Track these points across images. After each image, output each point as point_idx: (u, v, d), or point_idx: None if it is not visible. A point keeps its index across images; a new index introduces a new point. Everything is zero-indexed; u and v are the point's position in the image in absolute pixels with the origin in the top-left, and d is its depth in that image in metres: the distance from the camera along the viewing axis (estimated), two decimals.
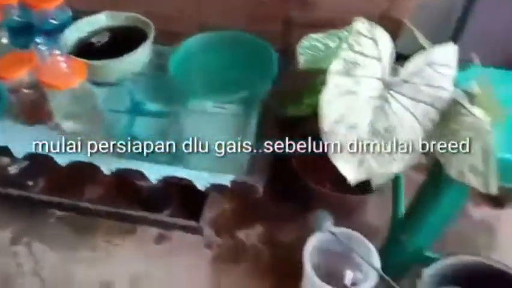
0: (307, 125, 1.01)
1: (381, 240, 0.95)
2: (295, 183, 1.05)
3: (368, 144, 0.72)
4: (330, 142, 0.71)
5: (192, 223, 1.04)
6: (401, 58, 0.74)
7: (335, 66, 0.68)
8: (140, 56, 0.95)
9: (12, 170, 1.08)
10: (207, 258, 1.02)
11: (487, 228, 1.12)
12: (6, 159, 1.07)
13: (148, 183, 1.00)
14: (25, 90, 0.85)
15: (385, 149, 0.73)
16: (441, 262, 0.86)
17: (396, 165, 0.74)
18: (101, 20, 1.02)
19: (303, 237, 0.85)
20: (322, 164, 1.02)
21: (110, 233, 1.05)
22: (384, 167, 0.74)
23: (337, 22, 0.93)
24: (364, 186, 1.00)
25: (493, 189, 0.68)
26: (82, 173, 1.14)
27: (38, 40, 0.78)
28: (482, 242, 1.07)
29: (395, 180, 1.07)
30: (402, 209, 0.98)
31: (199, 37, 0.99)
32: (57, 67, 0.80)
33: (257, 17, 0.99)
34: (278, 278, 0.98)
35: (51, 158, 0.86)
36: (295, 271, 0.95)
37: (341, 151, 0.71)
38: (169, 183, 0.88)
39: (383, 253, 0.87)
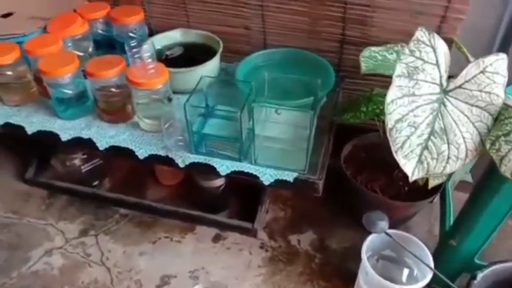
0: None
1: (431, 248, 0.99)
2: (346, 187, 1.11)
3: (427, 143, 0.79)
4: (393, 139, 0.78)
5: (247, 225, 1.11)
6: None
7: (399, 69, 0.77)
8: (211, 68, 1.06)
9: (84, 169, 1.18)
10: (261, 257, 1.07)
11: None
12: (80, 160, 1.17)
13: (210, 184, 1.09)
14: (113, 89, 0.96)
15: (442, 148, 0.79)
16: (495, 267, 0.89)
17: (452, 164, 0.80)
18: (175, 36, 1.14)
19: (354, 244, 0.90)
20: (372, 170, 1.10)
21: (170, 230, 1.12)
22: (440, 165, 0.80)
23: (389, 43, 1.03)
24: (413, 194, 1.06)
25: None
26: (145, 176, 1.25)
27: (132, 44, 0.89)
28: None
29: (444, 190, 1.12)
30: (451, 215, 1.02)
31: (263, 53, 1.11)
32: (145, 69, 0.91)
33: (315, 35, 1.09)
34: (329, 281, 1.03)
35: (132, 151, 0.95)
36: (346, 276, 0.99)
37: (402, 147, 0.78)
38: (233, 180, 0.96)
39: (433, 260, 0.91)
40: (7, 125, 1.01)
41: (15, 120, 1.00)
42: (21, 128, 0.99)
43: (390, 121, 0.77)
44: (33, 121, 1.00)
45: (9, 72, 1.00)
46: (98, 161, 1.19)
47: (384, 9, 0.98)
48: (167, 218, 1.14)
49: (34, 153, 1.24)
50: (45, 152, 1.22)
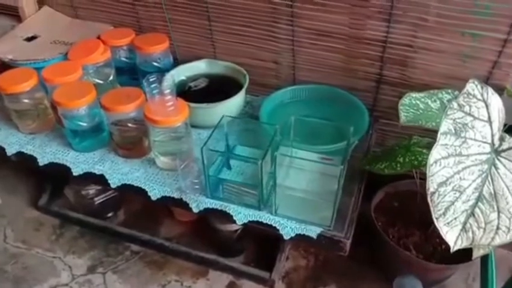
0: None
1: None
2: (375, 239, 1.01)
3: (473, 210, 0.69)
4: (435, 204, 0.68)
5: (264, 274, 1.02)
6: None
7: (445, 126, 0.67)
8: (235, 104, 0.99)
9: (98, 200, 1.13)
10: None
11: None
12: (93, 191, 1.12)
13: (227, 228, 1.01)
14: (129, 124, 0.90)
15: (491, 216, 0.69)
16: None
17: (502, 235, 0.69)
18: (200, 66, 1.08)
19: None
20: (406, 222, 0.99)
21: (182, 272, 1.05)
22: (488, 236, 0.69)
23: (431, 85, 0.93)
24: (450, 256, 0.95)
25: None
26: (160, 210, 1.18)
27: (150, 79, 0.84)
28: None
29: (485, 256, 1.00)
30: (494, 281, 0.90)
31: (291, 89, 1.03)
32: (163, 105, 0.85)
33: (349, 73, 1.01)
34: None
35: (145, 192, 0.88)
36: None
37: (444, 214, 0.68)
38: (251, 228, 0.88)
39: None
40: (20, 154, 0.97)
41: (28, 149, 0.96)
42: (33, 159, 0.95)
43: (432, 184, 0.67)
44: (47, 151, 0.95)
45: (26, 100, 0.96)
46: (112, 193, 1.13)
47: (428, 50, 0.89)
48: (179, 259, 1.07)
49: (49, 179, 1.20)
50: (59, 179, 1.18)
